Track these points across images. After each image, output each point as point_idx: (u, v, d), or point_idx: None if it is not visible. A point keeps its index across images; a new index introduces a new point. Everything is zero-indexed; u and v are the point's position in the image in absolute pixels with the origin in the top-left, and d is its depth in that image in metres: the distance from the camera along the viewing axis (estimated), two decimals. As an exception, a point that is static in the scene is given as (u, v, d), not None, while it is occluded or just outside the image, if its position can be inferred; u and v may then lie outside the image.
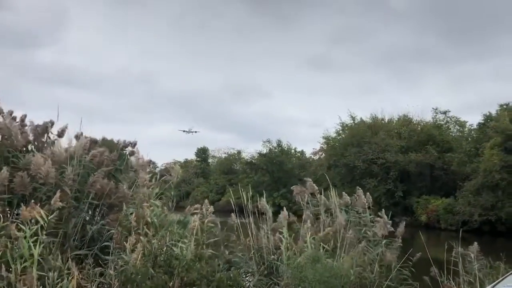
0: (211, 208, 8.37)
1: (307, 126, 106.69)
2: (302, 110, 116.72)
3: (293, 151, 66.62)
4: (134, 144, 9.26)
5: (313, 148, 61.63)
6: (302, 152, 67.51)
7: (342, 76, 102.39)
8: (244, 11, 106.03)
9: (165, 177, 8.17)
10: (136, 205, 7.54)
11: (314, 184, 9.04)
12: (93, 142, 8.89)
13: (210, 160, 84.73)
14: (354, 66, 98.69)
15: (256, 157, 65.59)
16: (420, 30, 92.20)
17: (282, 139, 64.80)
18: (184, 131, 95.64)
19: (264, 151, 63.98)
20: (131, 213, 7.34)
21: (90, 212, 7.88)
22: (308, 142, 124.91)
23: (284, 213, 8.50)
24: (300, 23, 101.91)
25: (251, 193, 9.11)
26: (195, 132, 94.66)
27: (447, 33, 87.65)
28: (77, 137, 8.60)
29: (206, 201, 8.92)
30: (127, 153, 9.03)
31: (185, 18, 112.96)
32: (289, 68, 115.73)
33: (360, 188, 8.82)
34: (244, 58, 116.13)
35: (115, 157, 8.68)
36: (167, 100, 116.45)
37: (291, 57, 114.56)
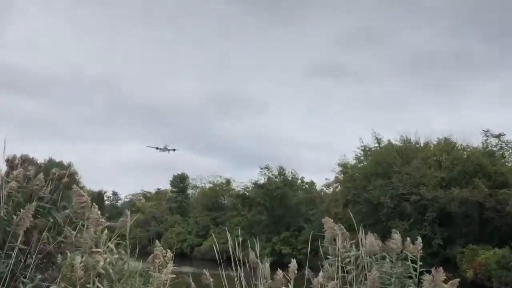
0: (169, 254, 8.10)
1: (312, 149, 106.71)
2: (306, 129, 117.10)
3: (299, 181, 66.37)
4: (71, 171, 8.98)
5: (326, 179, 60.99)
6: (311, 184, 67.23)
7: (357, 87, 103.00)
8: (234, 7, 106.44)
9: (126, 215, 7.95)
10: (84, 251, 7.36)
11: (340, 225, 8.75)
12: (33, 165, 8.71)
13: (189, 192, 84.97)
14: (372, 75, 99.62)
15: (250, 188, 65.46)
16: (458, 30, 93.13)
17: (285, 166, 64.70)
18: (157, 148, 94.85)
19: (262, 180, 63.71)
20: (78, 262, 7.15)
21: (20, 262, 7.65)
22: (315, 171, 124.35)
23: (293, 265, 8.01)
24: (304, 22, 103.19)
25: (242, 236, 8.86)
26: (172, 150, 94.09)
27: (494, 34, 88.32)
28: (10, 160, 8.43)
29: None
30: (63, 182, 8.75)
31: (154, 12, 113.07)
32: (289, 76, 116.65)
33: (397, 232, 8.63)
34: (233, 64, 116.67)
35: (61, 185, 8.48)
36: (134, 112, 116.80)
37: (292, 63, 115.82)
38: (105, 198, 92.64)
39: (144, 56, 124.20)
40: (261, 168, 63.67)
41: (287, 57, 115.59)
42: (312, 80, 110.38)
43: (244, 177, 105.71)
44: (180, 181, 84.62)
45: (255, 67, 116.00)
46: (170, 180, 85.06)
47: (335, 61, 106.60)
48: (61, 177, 8.56)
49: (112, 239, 7.78)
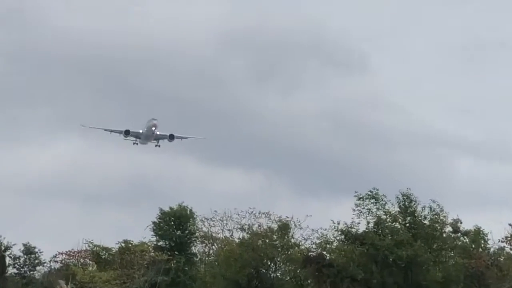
0: None
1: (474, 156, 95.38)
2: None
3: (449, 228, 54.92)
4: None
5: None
6: (477, 234, 55.96)
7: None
8: None
9: None
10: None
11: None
12: None
13: (197, 248, 72.32)
14: None
15: (333, 241, 53.77)
16: None
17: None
18: (125, 135, 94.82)
19: (362, 223, 51.93)
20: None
21: None
22: (471, 201, 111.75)
23: None
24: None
25: None
26: (158, 144, 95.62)
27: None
28: None
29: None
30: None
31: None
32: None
33: None
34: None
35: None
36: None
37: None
38: (7, 259, 61.99)
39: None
40: (369, 195, 52.59)
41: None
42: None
43: (314, 210, 75.66)
44: (176, 225, 62.26)
45: None
46: (154, 222, 63.64)
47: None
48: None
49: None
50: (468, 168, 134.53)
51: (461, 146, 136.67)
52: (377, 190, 53.99)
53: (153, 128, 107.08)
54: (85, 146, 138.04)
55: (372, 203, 53.47)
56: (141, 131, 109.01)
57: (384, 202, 53.78)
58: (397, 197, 53.92)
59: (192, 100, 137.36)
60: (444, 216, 54.20)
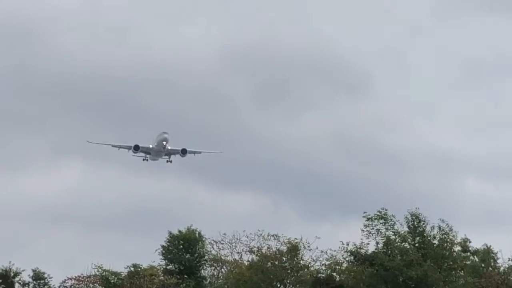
0: None
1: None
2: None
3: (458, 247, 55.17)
4: None
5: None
6: (486, 254, 56.79)
7: None
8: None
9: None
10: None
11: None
12: None
13: (206, 271, 72.29)
14: None
15: (343, 262, 53.69)
16: None
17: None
18: (135, 150, 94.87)
19: (371, 245, 52.34)
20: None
21: None
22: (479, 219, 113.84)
23: None
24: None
25: None
26: (169, 160, 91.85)
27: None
28: None
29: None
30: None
31: None
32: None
33: None
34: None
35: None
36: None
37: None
38: (16, 285, 62.41)
39: None
40: (378, 216, 53.22)
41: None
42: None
43: (323, 232, 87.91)
44: (185, 248, 62.44)
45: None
46: (163, 246, 64.00)
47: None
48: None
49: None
50: (476, 187, 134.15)
51: (470, 164, 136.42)
52: (386, 210, 53.68)
53: (164, 143, 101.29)
54: (90, 168, 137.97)
55: (381, 223, 53.21)
56: (151, 146, 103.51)
57: (393, 223, 53.45)
58: (406, 217, 53.62)
59: (197, 122, 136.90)
60: (453, 236, 53.81)
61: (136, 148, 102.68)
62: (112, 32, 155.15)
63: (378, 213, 53.38)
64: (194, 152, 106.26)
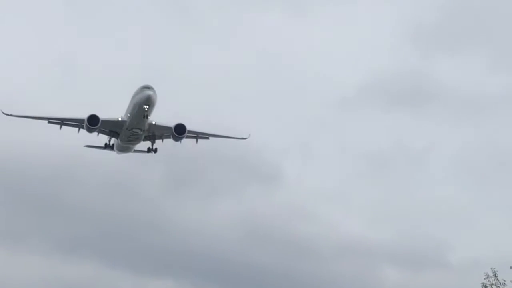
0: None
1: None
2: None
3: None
4: None
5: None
6: None
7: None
8: None
9: None
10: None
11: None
12: None
13: None
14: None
15: None
16: None
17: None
18: (86, 126, 58.04)
19: None
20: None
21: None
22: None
23: None
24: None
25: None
26: (152, 147, 56.08)
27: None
28: None
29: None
30: None
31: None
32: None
33: None
34: None
35: None
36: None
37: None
38: None
39: None
40: None
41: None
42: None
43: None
44: None
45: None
46: None
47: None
48: None
49: None
50: (395, 276, 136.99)
51: (386, 254, 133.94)
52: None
53: (145, 107, 58.18)
54: None
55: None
56: (119, 119, 61.46)
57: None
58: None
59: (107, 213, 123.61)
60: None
61: (92, 122, 60.47)
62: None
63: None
64: (197, 135, 64.79)
